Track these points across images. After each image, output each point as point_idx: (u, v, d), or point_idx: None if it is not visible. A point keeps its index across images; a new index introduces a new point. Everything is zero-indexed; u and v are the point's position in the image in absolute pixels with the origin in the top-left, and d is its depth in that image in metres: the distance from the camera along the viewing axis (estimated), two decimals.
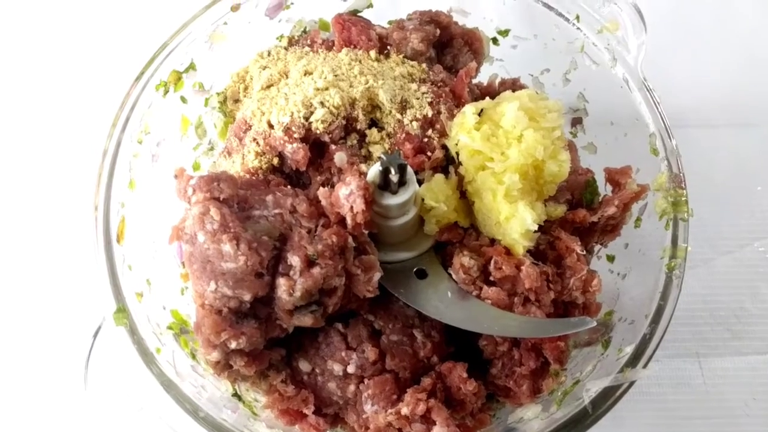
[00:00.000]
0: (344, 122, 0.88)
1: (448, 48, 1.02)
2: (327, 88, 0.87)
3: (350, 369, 0.84)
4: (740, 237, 1.18)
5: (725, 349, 1.10)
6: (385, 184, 0.81)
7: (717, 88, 1.28)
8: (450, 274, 0.85)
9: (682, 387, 1.07)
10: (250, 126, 0.89)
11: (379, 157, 0.79)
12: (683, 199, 0.85)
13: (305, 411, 0.85)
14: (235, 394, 0.87)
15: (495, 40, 1.05)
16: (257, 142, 0.87)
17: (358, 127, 0.89)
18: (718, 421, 1.05)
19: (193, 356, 0.85)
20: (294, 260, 0.78)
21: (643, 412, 1.05)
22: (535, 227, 0.82)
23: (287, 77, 0.93)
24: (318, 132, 0.86)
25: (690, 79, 1.25)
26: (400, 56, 0.96)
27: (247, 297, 0.77)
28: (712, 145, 1.22)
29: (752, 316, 1.12)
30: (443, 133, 0.88)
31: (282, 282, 0.77)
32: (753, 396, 1.07)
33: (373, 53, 0.94)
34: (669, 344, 1.08)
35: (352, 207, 0.79)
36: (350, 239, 0.81)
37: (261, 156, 0.87)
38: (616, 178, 0.90)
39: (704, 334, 1.10)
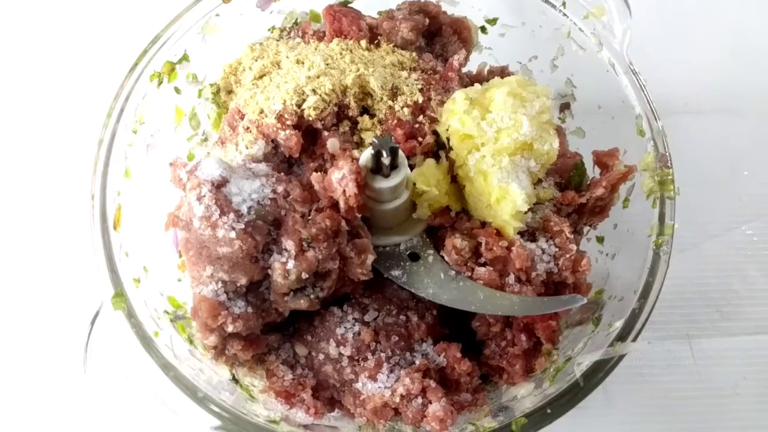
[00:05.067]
0: (336, 109, 0.89)
1: (437, 37, 1.03)
2: (318, 76, 0.88)
3: (346, 351, 0.86)
4: (728, 221, 1.19)
5: (715, 331, 1.11)
6: (377, 168, 0.82)
7: (704, 75, 1.29)
8: (442, 257, 0.87)
9: (673, 368, 1.08)
10: (244, 115, 0.90)
11: (372, 141, 0.80)
12: (669, 177, 0.87)
13: (303, 395, 0.86)
14: (233, 379, 0.87)
15: (483, 29, 1.07)
16: (250, 131, 0.88)
17: (350, 114, 0.90)
18: (709, 401, 1.06)
19: (191, 341, 0.86)
20: (288, 244, 0.79)
21: (635, 393, 1.06)
22: (526, 208, 0.83)
23: (279, 67, 0.94)
24: (310, 119, 0.87)
25: (677, 67, 1.26)
26: (391, 45, 0.97)
27: (243, 281, 0.78)
28: (699, 131, 1.24)
29: (741, 297, 1.13)
30: (434, 119, 0.90)
31: (277, 266, 0.79)
32: (743, 376, 1.08)
33: (363, 43, 0.96)
34: (659, 326, 1.09)
35: (344, 191, 0.80)
36: (343, 223, 0.82)
37: (254, 144, 0.88)
38: (603, 160, 0.92)
39: (694, 316, 1.12)
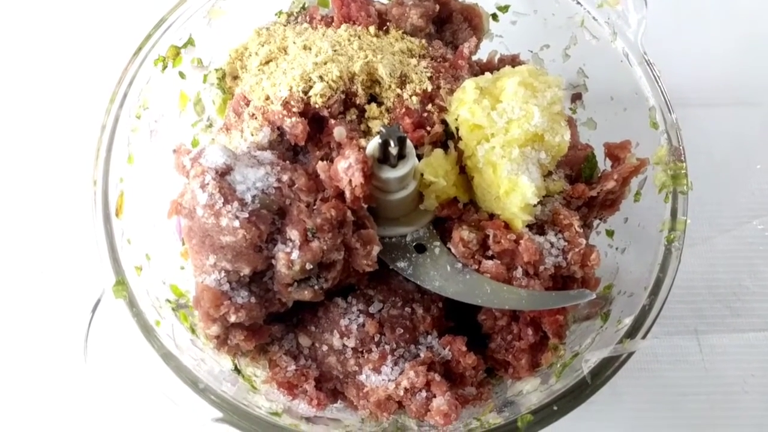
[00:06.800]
0: (343, 97, 0.87)
1: (447, 24, 1.01)
2: (326, 63, 0.87)
3: (350, 343, 0.85)
4: (740, 215, 1.17)
5: (724, 327, 1.10)
6: (384, 158, 0.81)
7: (718, 66, 1.27)
8: (449, 249, 0.86)
9: (681, 364, 1.07)
10: (249, 101, 0.89)
11: (379, 130, 0.79)
12: (683, 172, 0.85)
13: (305, 386, 0.85)
14: (235, 369, 0.87)
15: (494, 16, 1.04)
16: (256, 117, 0.87)
17: (358, 102, 0.89)
18: (716, 397, 1.05)
19: (193, 330, 0.85)
20: (293, 234, 0.78)
21: (642, 389, 1.05)
22: (535, 201, 0.82)
23: (286, 53, 0.92)
24: (317, 106, 0.85)
25: (691, 58, 1.24)
26: (400, 32, 0.95)
27: (247, 271, 0.77)
28: (712, 123, 1.22)
29: (751, 293, 1.12)
30: (443, 108, 0.88)
31: (281, 256, 0.78)
32: (751, 373, 1.07)
33: (372, 29, 0.94)
34: (668, 321, 1.08)
35: (350, 180, 0.79)
36: (349, 213, 0.81)
37: (259, 131, 0.87)
38: (615, 152, 0.90)
39: (703, 312, 1.10)
